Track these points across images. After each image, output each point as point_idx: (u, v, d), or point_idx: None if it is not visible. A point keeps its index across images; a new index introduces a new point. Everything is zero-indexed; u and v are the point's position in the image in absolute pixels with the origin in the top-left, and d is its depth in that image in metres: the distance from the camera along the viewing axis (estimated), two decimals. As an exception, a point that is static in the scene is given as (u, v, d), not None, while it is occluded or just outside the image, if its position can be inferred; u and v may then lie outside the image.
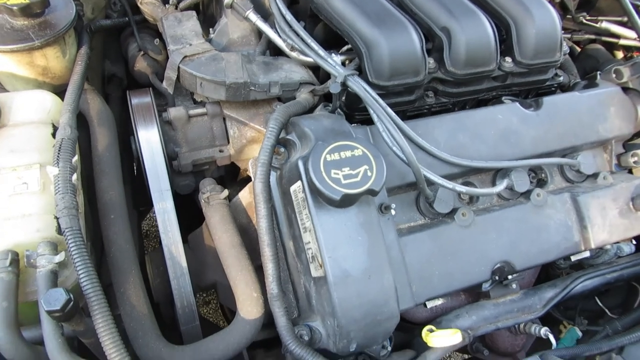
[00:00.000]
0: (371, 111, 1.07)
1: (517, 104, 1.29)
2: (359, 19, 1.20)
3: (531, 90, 1.43)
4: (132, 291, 1.03)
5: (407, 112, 1.31)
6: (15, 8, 1.09)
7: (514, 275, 1.29)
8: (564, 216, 1.23)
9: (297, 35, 1.21)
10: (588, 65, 1.79)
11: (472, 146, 1.20)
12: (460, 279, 1.13)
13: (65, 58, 1.22)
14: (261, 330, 1.07)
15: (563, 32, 1.63)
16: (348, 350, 1.00)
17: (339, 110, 1.20)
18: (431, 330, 1.08)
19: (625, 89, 1.45)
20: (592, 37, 1.71)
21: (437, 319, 1.25)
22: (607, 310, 1.63)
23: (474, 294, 1.34)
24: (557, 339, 1.78)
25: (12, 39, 1.11)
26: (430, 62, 1.26)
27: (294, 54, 1.27)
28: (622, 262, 1.39)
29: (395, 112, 1.27)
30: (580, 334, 1.61)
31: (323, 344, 1.03)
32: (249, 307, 1.05)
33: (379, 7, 1.23)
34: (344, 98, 1.23)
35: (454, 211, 1.15)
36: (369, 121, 1.15)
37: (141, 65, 1.55)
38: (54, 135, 1.04)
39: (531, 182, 1.31)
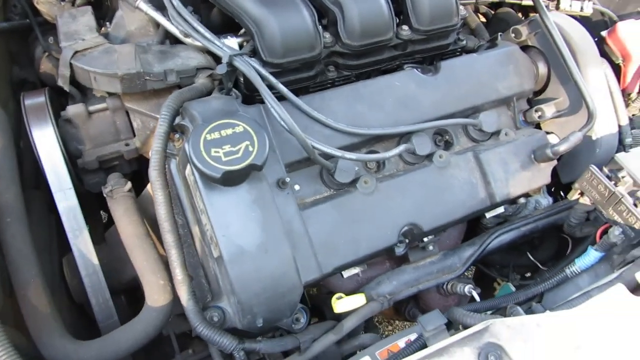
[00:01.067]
0: (256, 86, 1.07)
1: (415, 70, 1.32)
2: (246, -1, 1.20)
3: (435, 57, 1.46)
4: (32, 293, 1.02)
5: (310, 88, 1.32)
6: None
7: (430, 237, 1.33)
8: (468, 175, 1.27)
9: (186, 20, 1.21)
10: (500, 28, 1.81)
11: (371, 115, 1.22)
12: (367, 245, 1.15)
13: (-50, 64, 1.18)
14: None
15: (465, -3, 1.66)
16: (255, 326, 1.02)
17: (235, 91, 1.20)
18: (340, 297, 1.10)
19: (526, 47, 1.49)
20: (496, 0, 1.74)
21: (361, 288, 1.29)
22: (538, 264, 1.68)
23: (398, 261, 1.37)
24: (492, 296, 1.85)
25: None
26: (327, 36, 1.27)
27: (188, 40, 1.26)
28: (536, 214, 1.43)
29: (297, 88, 1.29)
30: (513, 289, 1.66)
31: (232, 323, 1.04)
32: (155, 295, 1.05)
33: (268, -16, 1.23)
34: (242, 79, 1.23)
35: (356, 180, 1.17)
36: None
37: (46, 66, 1.51)
38: None
39: (437, 144, 1.34)
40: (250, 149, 0.94)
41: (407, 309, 1.63)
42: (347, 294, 1.34)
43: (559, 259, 1.75)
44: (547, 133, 1.48)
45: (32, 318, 1.00)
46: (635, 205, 1.16)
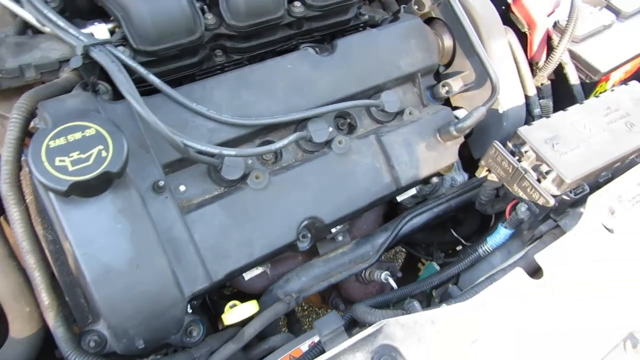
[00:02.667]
0: (115, 82, 0.94)
1: (310, 49, 1.22)
2: (107, -21, 1.06)
3: (336, 34, 1.37)
4: None
5: (196, 76, 1.20)
6: None
7: (339, 227, 1.26)
8: (371, 159, 1.19)
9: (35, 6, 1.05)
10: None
11: (260, 103, 1.12)
12: (263, 244, 1.06)
13: None
14: None
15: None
16: (136, 348, 0.92)
17: (105, 85, 1.06)
18: (234, 305, 1.02)
19: (431, 19, 1.42)
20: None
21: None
22: (462, 240, 1.65)
23: (310, 254, 1.30)
24: (416, 277, 1.82)
25: None
26: (209, 17, 1.15)
27: (47, 29, 1.11)
28: (449, 194, 1.39)
29: (181, 77, 1.17)
30: (438, 268, 1.63)
31: (112, 347, 0.93)
32: (19, 325, 0.93)
33: (132, -37, 1.09)
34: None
35: (247, 175, 1.08)
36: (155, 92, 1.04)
37: None
38: None
39: (340, 128, 1.26)
40: (104, 154, 0.82)
41: (330, 299, 1.57)
42: (258, 293, 1.26)
43: (483, 233, 1.74)
44: (457, 108, 1.44)
45: None
46: (539, 180, 1.13)
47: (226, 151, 0.98)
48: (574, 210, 1.16)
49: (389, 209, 1.55)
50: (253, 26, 1.17)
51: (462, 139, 1.30)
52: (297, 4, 1.23)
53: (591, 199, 1.10)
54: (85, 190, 0.83)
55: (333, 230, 1.24)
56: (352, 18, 1.35)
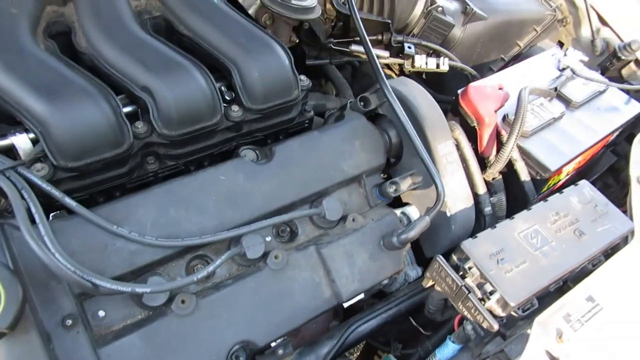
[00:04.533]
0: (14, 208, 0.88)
1: (246, 158, 1.18)
2: (26, 95, 1.00)
3: (280, 132, 1.33)
4: None
5: (127, 185, 1.14)
6: None
7: (278, 341, 1.18)
8: (310, 273, 1.13)
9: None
10: (364, 83, 1.74)
11: (189, 220, 1.06)
12: (186, 378, 0.98)
13: None
14: None
15: (317, 59, 1.56)
16: None
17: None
18: None
19: (377, 115, 1.39)
20: (352, 59, 1.65)
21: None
22: (420, 329, 1.57)
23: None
24: (373, 373, 1.73)
25: None
26: (140, 126, 1.10)
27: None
28: (399, 296, 1.33)
29: (108, 188, 1.12)
30: (395, 360, 1.55)
31: None
32: None
33: (54, 76, 1.04)
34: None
35: (172, 299, 1.01)
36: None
37: None
38: None
39: (281, 236, 1.20)
40: (-7, 308, 0.75)
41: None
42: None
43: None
44: (406, 204, 1.39)
45: None
46: (483, 300, 1.07)
47: (139, 289, 0.91)
48: (523, 326, 1.11)
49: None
50: (187, 134, 1.13)
51: (407, 247, 1.25)
52: (235, 107, 1.19)
53: (538, 320, 1.05)
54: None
55: (272, 344, 1.16)
56: (296, 116, 1.32)
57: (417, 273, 1.44)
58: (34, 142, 1.08)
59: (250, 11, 1.39)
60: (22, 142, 1.07)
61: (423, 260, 1.47)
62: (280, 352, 1.19)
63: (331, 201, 1.20)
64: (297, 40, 1.50)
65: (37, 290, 0.91)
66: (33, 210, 0.90)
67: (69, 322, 0.90)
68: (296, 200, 1.18)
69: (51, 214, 1.06)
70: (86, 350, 0.90)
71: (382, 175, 1.39)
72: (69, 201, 0.96)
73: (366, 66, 1.75)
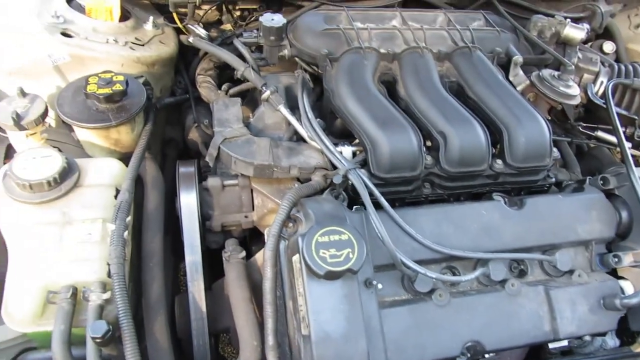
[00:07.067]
0: (363, 200, 1.29)
1: (502, 202, 1.48)
2: (367, 121, 1.45)
3: (523, 189, 1.61)
4: (157, 328, 1.28)
5: (405, 199, 1.52)
6: (101, 96, 1.43)
7: (492, 355, 1.44)
8: (536, 307, 1.38)
9: (314, 129, 1.48)
10: (592, 165, 1.94)
11: (455, 236, 1.39)
12: (432, 352, 1.29)
13: (133, 133, 1.54)
14: None
15: (560, 135, 1.81)
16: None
17: (343, 194, 1.43)
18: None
19: (611, 195, 1.59)
20: (592, 143, 1.86)
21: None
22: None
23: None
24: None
25: (96, 119, 1.45)
26: (428, 159, 1.48)
27: (313, 143, 1.53)
28: (600, 355, 1.49)
29: (393, 199, 1.50)
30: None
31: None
32: (248, 353, 1.27)
33: (386, 111, 1.48)
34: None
35: (432, 291, 1.34)
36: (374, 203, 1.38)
37: (194, 135, 1.87)
38: (115, 196, 1.34)
39: (512, 271, 1.47)
40: (351, 256, 1.15)
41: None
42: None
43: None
44: (622, 278, 1.56)
45: (153, 349, 1.25)
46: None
47: (429, 273, 1.26)
48: None
49: (531, 348, 1.68)
50: (460, 173, 1.48)
51: (623, 312, 1.42)
52: (499, 162, 1.51)
53: None
54: (330, 277, 1.16)
55: (486, 355, 1.42)
56: (540, 179, 1.59)
57: (615, 343, 1.58)
58: (353, 154, 1.53)
59: (519, 88, 1.71)
60: (347, 152, 1.52)
61: (621, 333, 1.60)
62: (488, 365, 1.45)
63: (564, 254, 1.44)
64: (549, 118, 1.79)
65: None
66: (370, 204, 1.30)
67: (369, 283, 1.27)
68: (534, 245, 1.44)
69: (354, 207, 1.48)
70: (375, 307, 1.27)
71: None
72: (383, 201, 1.35)
73: (595, 150, 1.95)
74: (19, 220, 1.27)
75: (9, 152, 1.61)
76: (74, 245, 1.23)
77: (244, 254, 1.45)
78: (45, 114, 1.45)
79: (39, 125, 1.44)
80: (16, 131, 1.43)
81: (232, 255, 1.44)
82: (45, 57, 1.55)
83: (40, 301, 1.17)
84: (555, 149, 1.58)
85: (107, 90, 1.44)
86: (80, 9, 1.73)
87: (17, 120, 1.40)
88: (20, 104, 1.44)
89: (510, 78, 1.74)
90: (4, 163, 1.59)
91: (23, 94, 1.45)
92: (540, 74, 1.71)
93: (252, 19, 2.12)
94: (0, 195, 1.29)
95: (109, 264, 1.19)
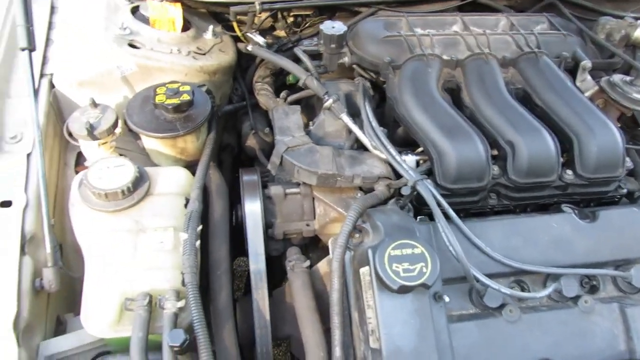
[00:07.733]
0: (433, 213, 1.27)
1: (573, 214, 1.43)
2: (433, 129, 1.43)
3: (593, 200, 1.55)
4: (226, 334, 1.30)
5: (471, 210, 1.49)
6: (170, 107, 1.46)
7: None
8: (610, 325, 1.33)
9: (379, 138, 1.47)
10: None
11: (524, 250, 1.35)
12: (502, 370, 1.27)
13: (198, 141, 1.57)
14: None
15: (628, 143, 1.74)
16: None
17: (409, 204, 1.41)
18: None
19: (691, 208, 1.52)
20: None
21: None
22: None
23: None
24: None
25: (164, 128, 1.48)
26: (495, 169, 1.45)
27: (376, 152, 1.52)
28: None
29: (459, 209, 1.47)
30: None
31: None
32: (314, 362, 1.27)
33: (451, 120, 1.45)
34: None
35: (502, 306, 1.30)
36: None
37: (251, 141, 1.89)
38: (185, 205, 1.37)
39: (583, 286, 1.42)
40: (424, 270, 1.14)
41: None
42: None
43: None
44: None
45: (222, 355, 1.28)
46: None
47: (503, 289, 1.23)
48: None
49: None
50: (528, 183, 1.43)
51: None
52: (569, 172, 1.46)
53: None
54: (403, 291, 1.15)
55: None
56: (611, 190, 1.53)
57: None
58: (417, 163, 1.51)
59: (587, 94, 1.65)
60: (410, 160, 1.50)
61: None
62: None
63: (640, 270, 1.38)
64: (619, 125, 1.72)
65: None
66: (440, 216, 1.28)
67: (439, 297, 1.25)
68: (608, 260, 1.39)
69: (418, 217, 1.46)
70: (444, 321, 1.24)
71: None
72: (452, 213, 1.33)
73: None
74: (95, 228, 1.32)
75: (79, 160, 1.67)
76: (148, 253, 1.27)
77: (308, 263, 1.46)
78: (115, 124, 1.49)
79: (110, 135, 1.48)
80: (89, 140, 1.47)
81: (297, 265, 1.44)
82: (114, 68, 1.60)
83: (118, 308, 1.20)
84: (628, 159, 1.52)
85: (175, 101, 1.48)
86: (145, 20, 1.77)
87: (91, 130, 1.44)
88: (93, 115, 1.49)
89: (578, 84, 1.68)
90: (75, 170, 1.65)
91: (94, 104, 1.50)
92: (611, 79, 1.64)
93: (306, 25, 2.12)
94: (77, 203, 1.34)
95: (182, 273, 1.21)
